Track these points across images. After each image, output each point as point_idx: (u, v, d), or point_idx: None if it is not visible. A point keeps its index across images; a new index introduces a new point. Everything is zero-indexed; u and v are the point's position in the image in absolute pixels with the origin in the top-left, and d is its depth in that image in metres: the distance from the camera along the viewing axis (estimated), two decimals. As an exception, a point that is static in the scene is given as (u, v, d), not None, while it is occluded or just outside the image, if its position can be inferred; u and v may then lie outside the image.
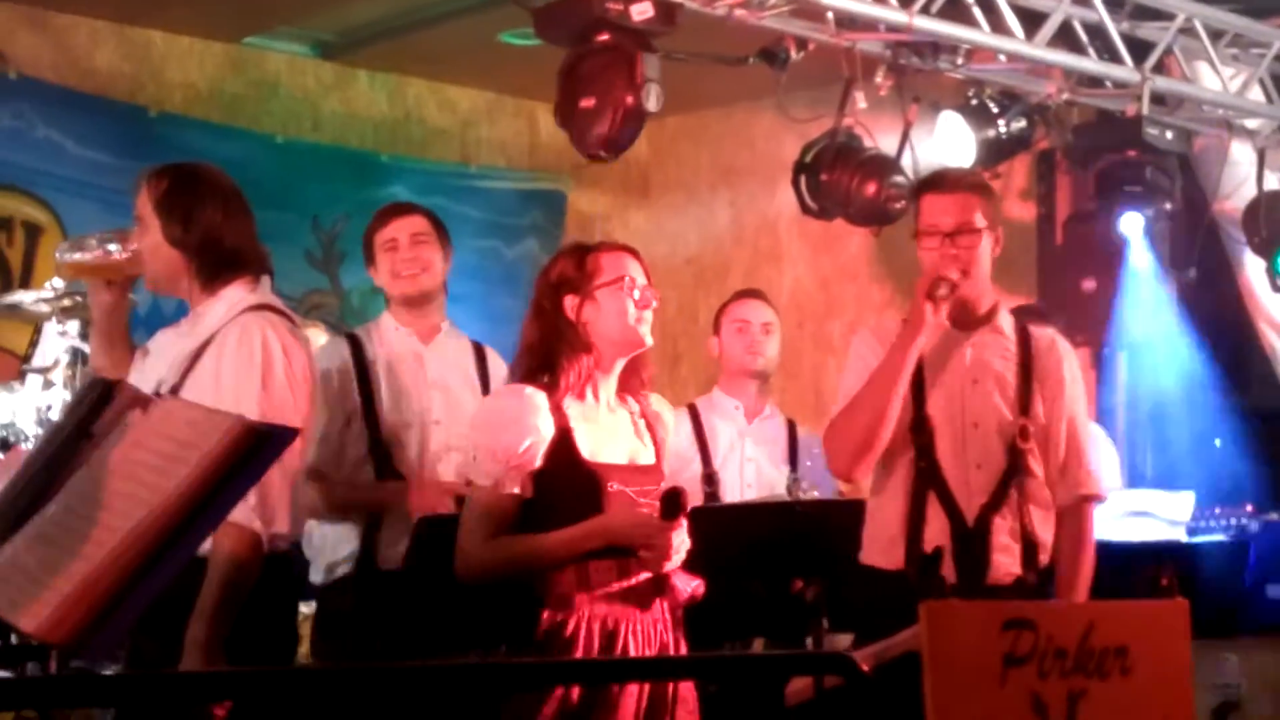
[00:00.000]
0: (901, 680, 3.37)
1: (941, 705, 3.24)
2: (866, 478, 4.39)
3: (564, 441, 3.91)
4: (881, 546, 4.32)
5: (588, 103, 5.87)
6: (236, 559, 3.77)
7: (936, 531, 4.24)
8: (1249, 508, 6.15)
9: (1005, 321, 4.49)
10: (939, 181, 4.53)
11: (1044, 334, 4.53)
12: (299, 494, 4.11)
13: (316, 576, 4.96)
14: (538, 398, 3.92)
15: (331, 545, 4.96)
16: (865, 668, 2.87)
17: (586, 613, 3.83)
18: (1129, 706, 3.50)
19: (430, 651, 4.53)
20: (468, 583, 3.94)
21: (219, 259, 4.04)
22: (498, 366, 5.11)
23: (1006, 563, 4.29)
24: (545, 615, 3.85)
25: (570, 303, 3.96)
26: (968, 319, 4.41)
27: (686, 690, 3.88)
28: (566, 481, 3.90)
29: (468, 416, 5.02)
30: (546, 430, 3.89)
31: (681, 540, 3.88)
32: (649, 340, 4.02)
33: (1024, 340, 4.46)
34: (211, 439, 2.41)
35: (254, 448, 2.42)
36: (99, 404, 2.89)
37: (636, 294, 3.96)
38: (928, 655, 3.24)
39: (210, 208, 4.05)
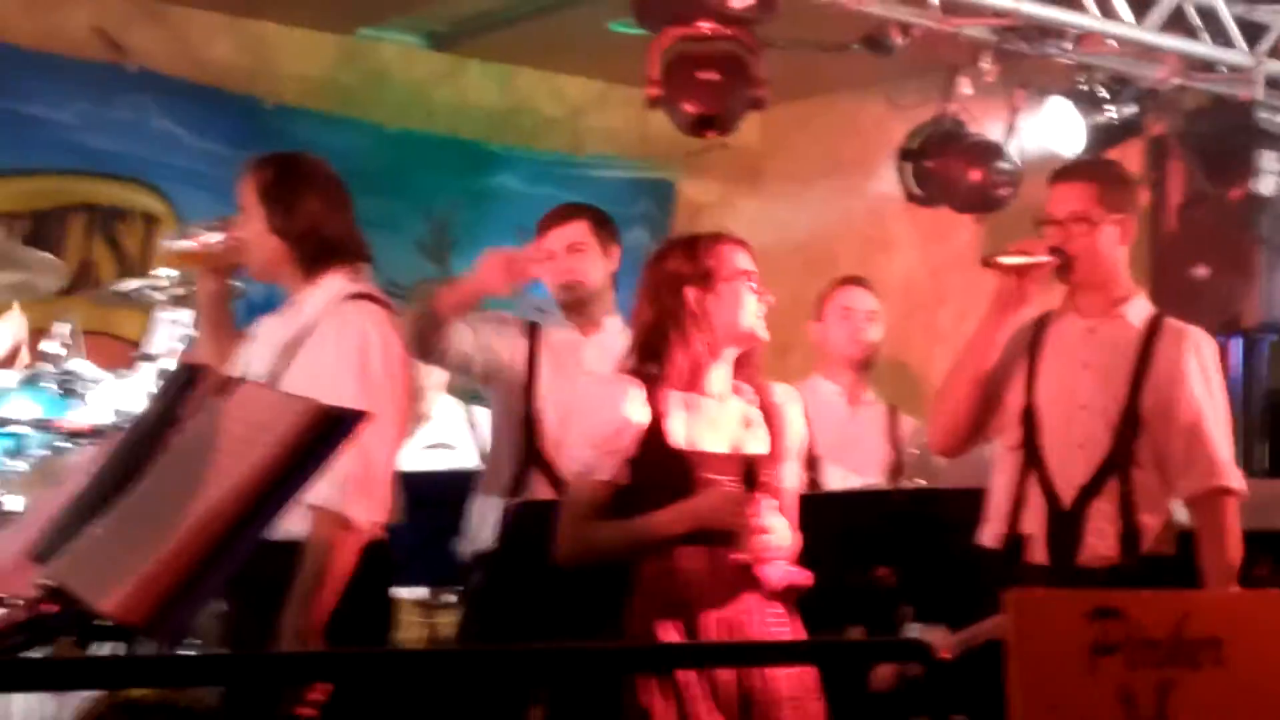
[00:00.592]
0: (986, 669, 3.35)
1: (1025, 695, 3.20)
2: (965, 454, 4.44)
3: (656, 430, 3.92)
4: (989, 527, 4.35)
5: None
6: (332, 546, 3.82)
7: (1034, 512, 4.25)
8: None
9: (1135, 311, 4.47)
10: (1063, 170, 4.61)
11: (1175, 324, 4.49)
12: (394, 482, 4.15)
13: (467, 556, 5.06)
14: (631, 385, 3.94)
15: (474, 523, 5.06)
16: (947, 655, 2.85)
17: (667, 599, 3.83)
18: (1223, 700, 3.44)
19: (534, 634, 4.59)
20: (564, 567, 3.98)
21: (320, 248, 4.09)
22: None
23: (1100, 546, 4.27)
24: (631, 604, 3.86)
25: (692, 294, 3.96)
26: (1095, 308, 4.42)
27: (784, 684, 3.84)
28: (658, 469, 3.91)
29: None
30: (638, 417, 3.91)
31: (774, 519, 3.86)
32: (765, 335, 4.02)
33: (1152, 330, 4.43)
34: (283, 422, 2.44)
35: (325, 430, 2.45)
36: (184, 389, 2.94)
37: (754, 288, 3.98)
38: (1011, 644, 3.20)
39: (312, 197, 4.10)
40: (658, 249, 4.16)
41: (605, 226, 5.15)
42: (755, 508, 3.84)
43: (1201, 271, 7.20)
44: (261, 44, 8.31)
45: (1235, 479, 4.39)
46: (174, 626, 2.43)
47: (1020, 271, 4.30)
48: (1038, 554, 4.24)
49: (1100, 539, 4.27)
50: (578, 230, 5.09)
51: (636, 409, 3.91)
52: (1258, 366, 7.44)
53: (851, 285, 5.81)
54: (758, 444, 4.02)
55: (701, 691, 3.75)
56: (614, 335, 5.16)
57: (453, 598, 6.40)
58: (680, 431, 3.94)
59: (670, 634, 3.81)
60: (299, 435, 2.45)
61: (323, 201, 4.12)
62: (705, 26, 5.64)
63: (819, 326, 5.77)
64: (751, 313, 3.98)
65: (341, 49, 8.55)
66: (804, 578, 3.95)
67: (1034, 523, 4.25)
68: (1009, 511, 4.23)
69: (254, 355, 4.12)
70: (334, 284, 4.08)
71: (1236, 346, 7.40)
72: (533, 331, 5.14)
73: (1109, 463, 4.31)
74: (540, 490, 4.92)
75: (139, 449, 2.89)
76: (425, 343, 4.88)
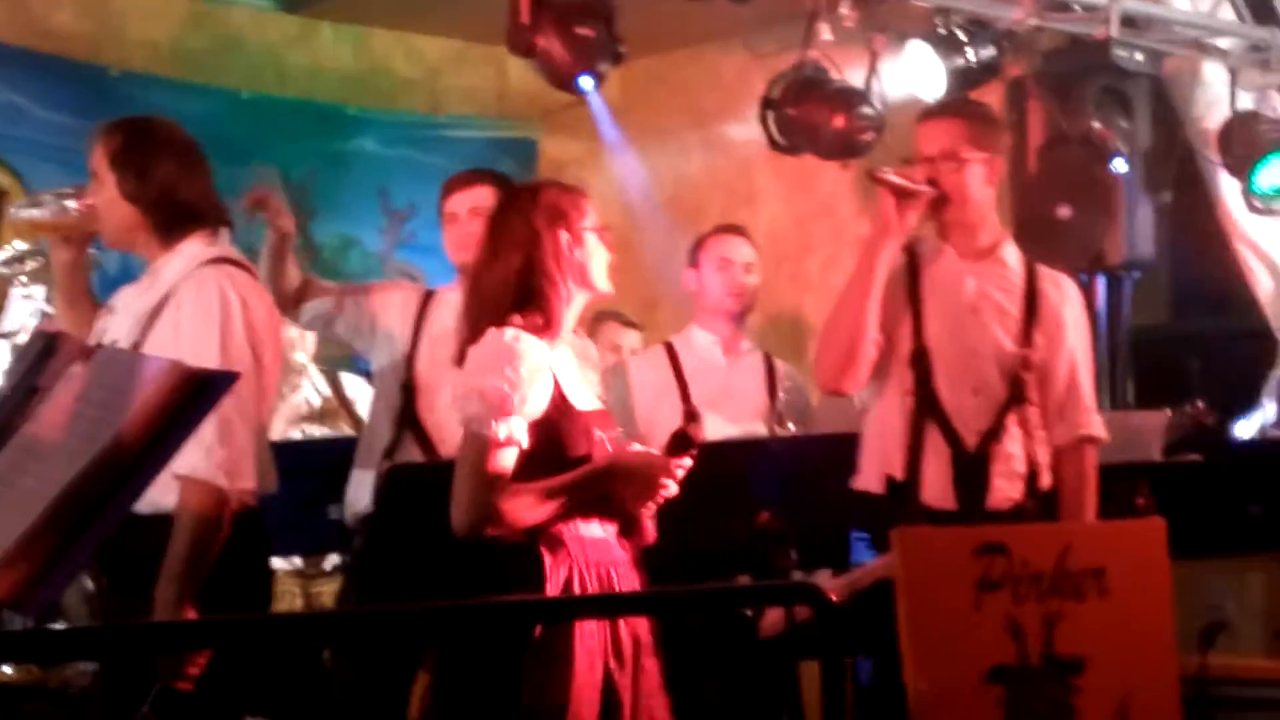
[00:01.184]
0: (874, 609, 3.34)
1: (916, 632, 3.21)
2: (855, 391, 4.39)
3: (558, 389, 3.78)
4: (877, 474, 4.28)
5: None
6: (203, 517, 3.73)
7: (935, 456, 4.23)
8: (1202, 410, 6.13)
9: (1010, 254, 4.51)
10: (932, 108, 4.60)
11: (1050, 272, 4.54)
12: (264, 449, 4.07)
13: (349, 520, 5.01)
14: (537, 343, 3.75)
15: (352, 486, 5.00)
16: (835, 598, 2.83)
17: (583, 559, 3.75)
18: (1108, 627, 3.47)
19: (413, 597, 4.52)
20: (463, 534, 3.74)
21: (175, 213, 3.99)
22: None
23: (1006, 488, 4.28)
24: (548, 562, 3.71)
25: (564, 238, 3.81)
26: (969, 249, 4.44)
27: (645, 632, 3.80)
28: (563, 429, 3.76)
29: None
30: (546, 377, 3.74)
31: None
32: (611, 288, 3.95)
33: (1030, 275, 4.48)
34: (147, 387, 2.35)
35: (193, 393, 2.37)
36: (43, 358, 2.84)
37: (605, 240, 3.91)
38: (901, 582, 3.21)
39: (165, 161, 4.00)
40: (508, 193, 4.05)
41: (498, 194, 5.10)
42: (677, 465, 3.78)
43: (1064, 212, 7.25)
44: (105, 10, 8.10)
45: (1100, 428, 4.45)
46: (42, 601, 2.35)
47: (901, 194, 4.28)
48: (942, 498, 4.20)
49: (1007, 480, 4.29)
50: (483, 195, 5.02)
51: (544, 368, 3.74)
52: (1121, 304, 7.52)
53: (729, 234, 5.74)
54: (595, 399, 3.97)
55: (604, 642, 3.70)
56: None
57: (328, 566, 6.33)
58: (573, 389, 3.85)
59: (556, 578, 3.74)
60: (165, 400, 2.36)
61: (177, 165, 4.02)
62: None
63: (694, 275, 5.70)
64: (605, 266, 3.89)
65: (190, 13, 8.37)
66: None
67: (935, 468, 4.22)
68: (904, 457, 4.19)
69: (113, 325, 4.03)
70: (192, 249, 3.99)
71: (1101, 284, 7.47)
72: (426, 299, 5.09)
73: (1006, 406, 4.33)
74: (413, 454, 4.86)
75: (-2, 422, 2.79)
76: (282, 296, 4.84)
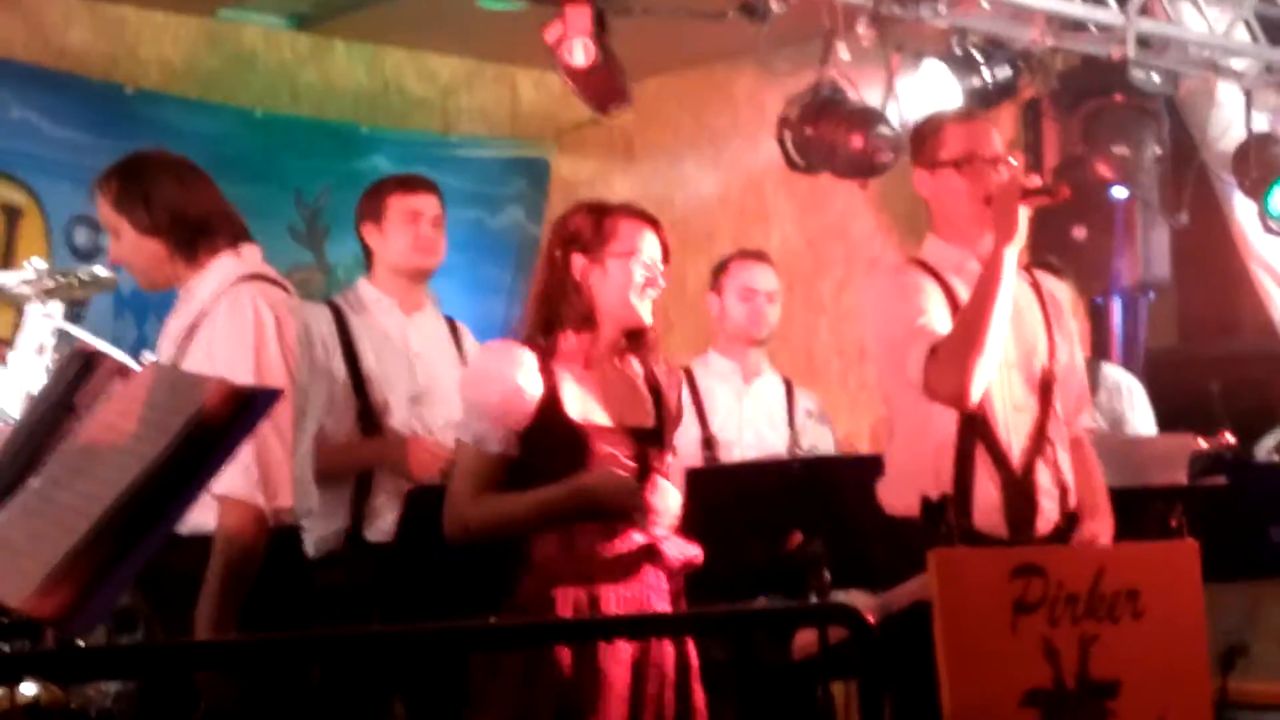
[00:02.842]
0: (910, 630, 3.33)
1: (952, 654, 3.19)
2: (972, 406, 4.14)
3: (551, 401, 3.83)
4: (903, 492, 4.12)
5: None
6: (241, 535, 3.73)
7: (984, 479, 4.13)
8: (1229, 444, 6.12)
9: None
10: (961, 112, 4.51)
11: (1048, 278, 4.50)
12: (306, 465, 4.06)
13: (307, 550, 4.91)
14: (525, 355, 3.85)
15: (320, 519, 4.91)
16: (870, 619, 2.81)
17: (567, 575, 3.76)
18: (1142, 649, 3.46)
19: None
20: (456, 544, 3.88)
21: (192, 230, 4.01)
22: (470, 344, 5.11)
23: (1050, 510, 4.21)
24: (526, 582, 3.78)
25: (578, 262, 3.88)
26: (984, 257, 4.32)
27: (677, 659, 3.80)
28: (552, 442, 3.82)
29: (451, 388, 5.00)
30: (533, 389, 3.82)
31: (666, 501, 3.83)
32: (648, 319, 3.94)
33: (1036, 283, 4.43)
34: (194, 403, 2.34)
35: (237, 410, 2.36)
36: (81, 375, 2.84)
37: (645, 270, 3.88)
38: (938, 604, 3.20)
39: (164, 183, 4.03)
40: (567, 210, 4.06)
41: (444, 208, 5.07)
42: (651, 490, 3.78)
43: (1079, 233, 7.26)
44: (121, 28, 8.08)
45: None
46: (87, 621, 2.34)
47: (1036, 198, 4.18)
48: (994, 524, 4.10)
49: (1050, 500, 4.21)
50: (436, 204, 5.01)
51: (530, 378, 3.82)
52: (1137, 326, 7.51)
53: (752, 261, 5.72)
54: (647, 419, 3.96)
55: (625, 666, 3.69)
56: (434, 317, 5.08)
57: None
58: (575, 405, 3.86)
59: (569, 609, 3.74)
60: (211, 416, 2.35)
61: (177, 184, 4.04)
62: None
63: (716, 300, 5.68)
64: (634, 294, 3.88)
65: (203, 32, 8.35)
66: (698, 555, 3.91)
67: (985, 491, 4.11)
68: (952, 476, 4.10)
69: (160, 353, 4.03)
70: (223, 267, 4.00)
71: (1116, 306, 7.47)
72: (337, 315, 4.98)
73: (1041, 421, 4.26)
74: (386, 476, 4.84)
75: (35, 439, 2.78)
76: None
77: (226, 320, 3.84)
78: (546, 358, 3.86)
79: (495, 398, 3.83)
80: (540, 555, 3.82)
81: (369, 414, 4.90)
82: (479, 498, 3.82)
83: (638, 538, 3.82)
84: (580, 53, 5.64)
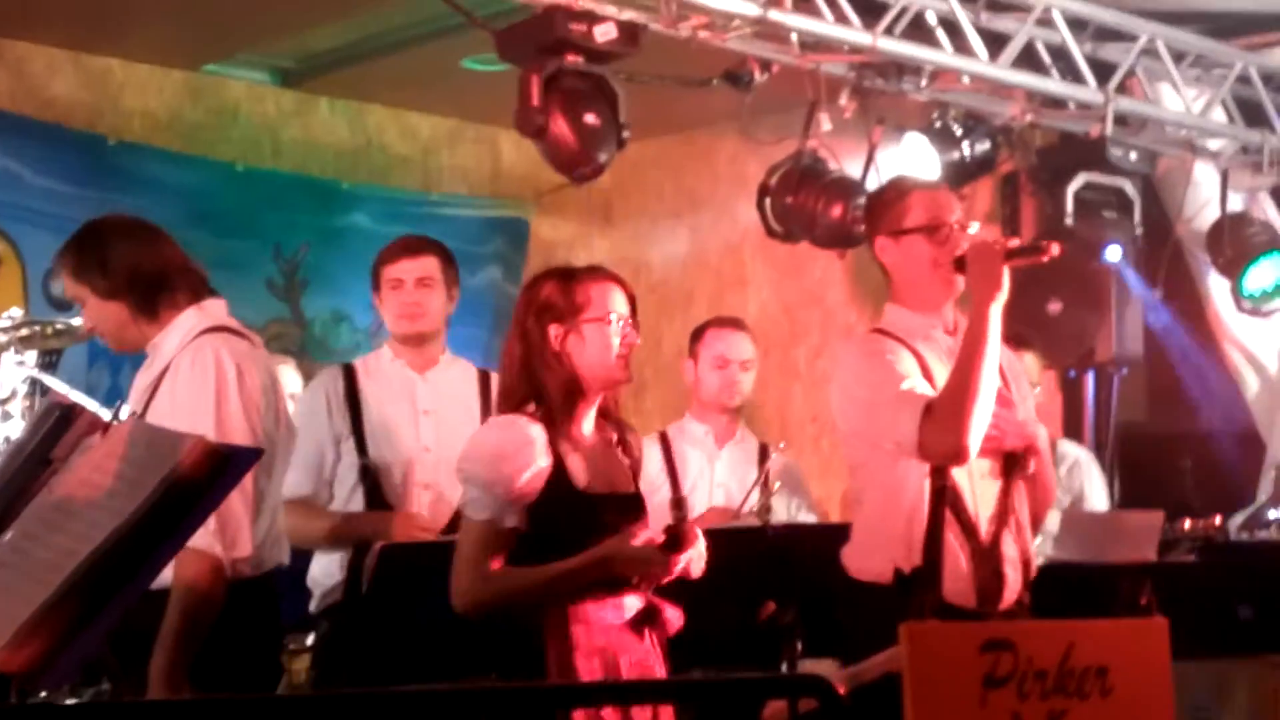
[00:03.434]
0: (879, 702, 3.32)
1: (921, 728, 3.19)
2: (965, 464, 4.13)
3: (559, 473, 3.82)
4: (874, 558, 4.11)
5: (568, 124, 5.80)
6: (197, 586, 3.72)
7: (955, 552, 4.11)
8: (1216, 527, 6.14)
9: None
10: (922, 180, 4.51)
11: (1005, 350, 4.48)
12: (275, 516, 4.06)
13: (313, 606, 4.96)
14: (533, 429, 3.82)
15: (323, 574, 4.97)
16: (841, 690, 2.81)
17: (585, 645, 3.76)
18: (1109, 727, 3.45)
19: (412, 679, 4.48)
20: (467, 616, 3.83)
21: (149, 288, 4.06)
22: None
23: (1014, 580, 4.19)
24: (551, 647, 3.75)
25: (555, 332, 3.88)
26: (949, 323, 4.32)
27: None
28: (563, 514, 3.81)
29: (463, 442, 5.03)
30: (543, 462, 3.80)
31: (690, 567, 3.85)
32: (628, 376, 3.95)
33: None
34: (171, 460, 2.35)
35: (216, 468, 2.36)
36: (58, 428, 2.83)
37: (622, 331, 3.90)
38: (909, 677, 3.19)
39: (117, 245, 4.08)
40: (532, 277, 4.05)
41: (451, 265, 5.10)
42: (675, 564, 3.79)
43: (1054, 307, 7.30)
44: (105, 80, 8.12)
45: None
46: (59, 675, 2.33)
47: (1023, 258, 4.19)
48: (963, 596, 4.09)
49: (1015, 573, 4.21)
50: (428, 265, 5.03)
51: (541, 453, 3.80)
52: (1109, 400, 7.55)
53: (727, 329, 5.73)
54: (627, 484, 3.97)
55: None
56: (448, 372, 5.10)
57: (310, 642, 6.27)
58: (580, 475, 3.86)
59: (594, 677, 3.74)
60: (189, 473, 2.36)
61: (133, 245, 4.10)
62: (573, 61, 5.58)
63: (691, 367, 5.71)
64: (613, 354, 3.89)
65: (188, 85, 8.39)
66: (679, 616, 3.93)
67: (955, 561, 4.10)
68: (923, 544, 4.09)
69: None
70: (186, 321, 4.05)
71: (1089, 380, 7.51)
72: (349, 375, 5.03)
73: (1005, 493, 4.24)
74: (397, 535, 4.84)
75: (9, 492, 2.78)
76: None
77: (188, 372, 3.87)
78: (550, 429, 3.85)
79: (506, 473, 3.79)
80: (554, 620, 3.80)
81: (369, 472, 4.92)
82: (492, 574, 3.79)
83: (635, 601, 3.83)
84: (533, 119, 5.69)
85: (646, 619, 3.82)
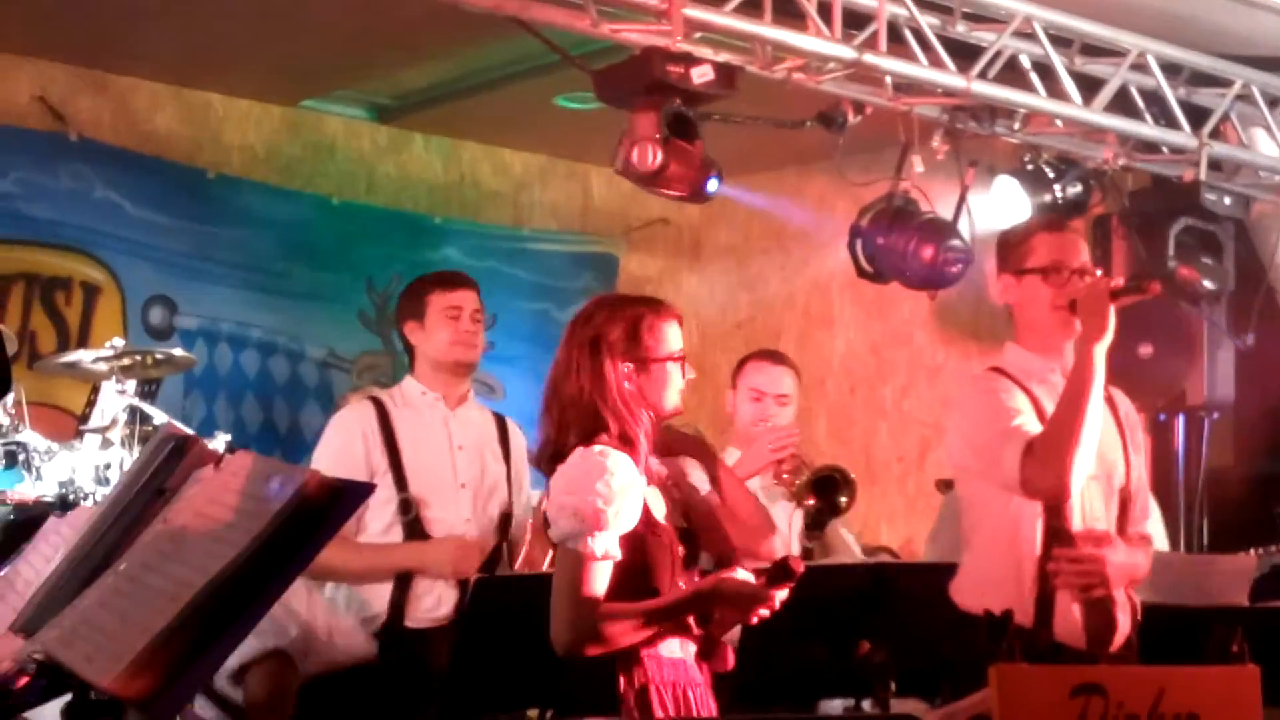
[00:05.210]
0: (971, 745, 3.34)
1: (1012, 770, 3.20)
2: (1067, 500, 4.17)
3: (645, 505, 3.81)
4: (1000, 597, 3.93)
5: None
6: None
7: (1067, 593, 4.15)
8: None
9: None
10: (1048, 220, 4.51)
11: (1123, 396, 4.50)
12: None
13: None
14: (625, 460, 3.77)
15: (359, 604, 5.02)
16: (935, 731, 2.84)
17: (658, 679, 3.76)
18: (1200, 774, 3.45)
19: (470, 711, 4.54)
20: (574, 655, 3.75)
21: None
22: (517, 437, 5.19)
23: (1124, 624, 4.22)
24: (623, 681, 3.74)
25: (624, 369, 3.85)
26: (1066, 369, 4.31)
27: None
28: (651, 546, 3.79)
29: (493, 481, 5.08)
30: (638, 493, 3.77)
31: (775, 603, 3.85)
32: (681, 410, 3.97)
33: (1112, 400, 4.43)
34: (288, 493, 2.41)
35: (331, 501, 2.42)
36: (172, 459, 2.90)
37: (682, 367, 3.92)
38: (998, 719, 3.20)
39: None
40: (584, 311, 3.96)
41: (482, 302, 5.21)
42: (775, 600, 3.78)
43: (1146, 350, 7.28)
44: (205, 114, 8.26)
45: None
46: (172, 705, 2.39)
47: (1128, 296, 4.22)
48: (1074, 636, 4.12)
49: (1125, 616, 4.23)
50: (475, 299, 5.12)
51: (636, 483, 3.76)
52: (1200, 445, 7.51)
53: (766, 363, 5.66)
54: (681, 519, 3.96)
55: None
56: (474, 412, 5.17)
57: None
58: (657, 507, 3.87)
59: (667, 709, 3.73)
60: (302, 507, 2.41)
61: None
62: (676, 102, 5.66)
63: (731, 397, 5.70)
64: (677, 391, 3.91)
65: (286, 120, 8.52)
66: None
67: (1067, 603, 4.12)
68: (1034, 587, 4.11)
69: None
70: None
71: (1179, 424, 7.47)
72: (380, 409, 5.07)
73: (1117, 533, 4.27)
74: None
75: (125, 520, 2.84)
76: None
77: None
78: (635, 458, 3.81)
79: (618, 506, 3.72)
80: (623, 657, 3.76)
81: (408, 506, 4.98)
82: (605, 610, 3.71)
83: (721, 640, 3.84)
84: (648, 157, 5.73)
85: (707, 652, 3.83)
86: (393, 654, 4.93)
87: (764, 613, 3.77)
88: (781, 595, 3.76)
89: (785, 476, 5.26)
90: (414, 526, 4.98)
